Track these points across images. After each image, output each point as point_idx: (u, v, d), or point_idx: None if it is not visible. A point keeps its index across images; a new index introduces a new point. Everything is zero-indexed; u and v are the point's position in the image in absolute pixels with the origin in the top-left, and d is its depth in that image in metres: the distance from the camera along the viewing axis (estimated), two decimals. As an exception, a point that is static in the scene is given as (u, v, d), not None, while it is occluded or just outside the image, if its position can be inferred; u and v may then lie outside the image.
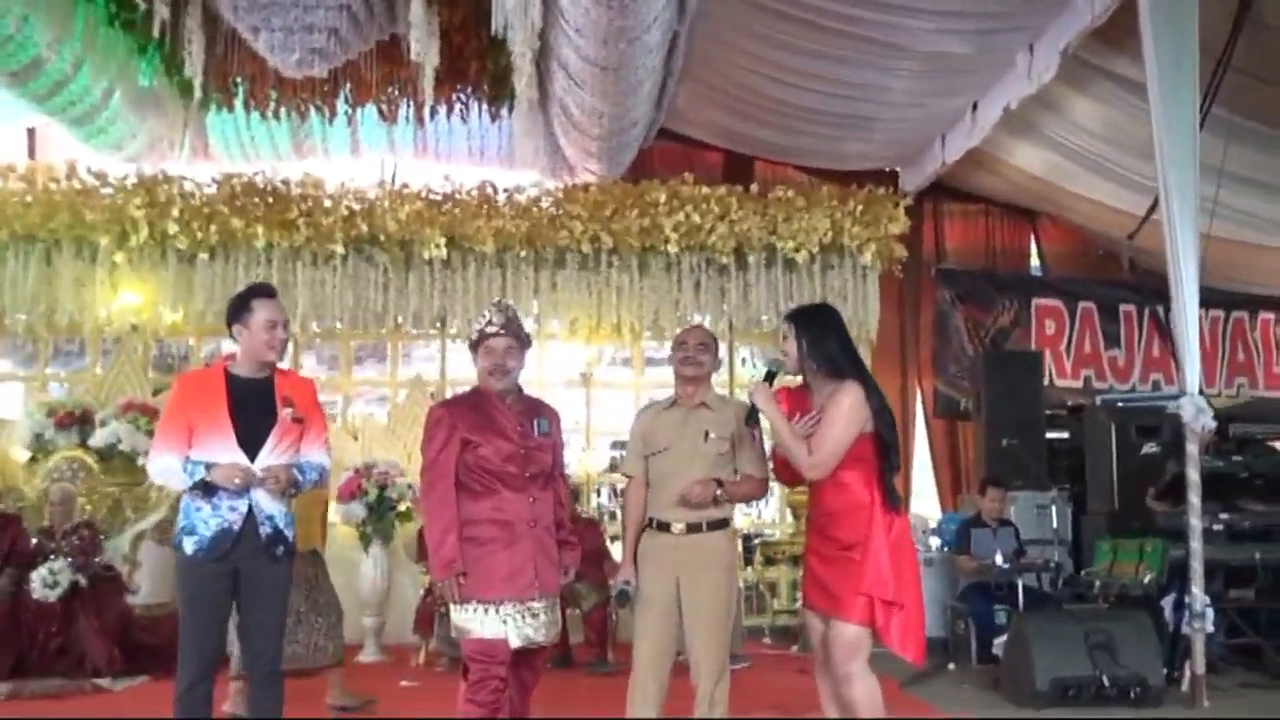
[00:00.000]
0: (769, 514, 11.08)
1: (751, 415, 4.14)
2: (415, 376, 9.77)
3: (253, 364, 4.15)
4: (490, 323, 4.12)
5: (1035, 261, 11.33)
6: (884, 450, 3.95)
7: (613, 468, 9.98)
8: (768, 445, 4.41)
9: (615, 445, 10.34)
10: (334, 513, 8.22)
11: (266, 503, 4.04)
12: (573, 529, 4.35)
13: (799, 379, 4.13)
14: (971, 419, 10.07)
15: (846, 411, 3.88)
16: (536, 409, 4.25)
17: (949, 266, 10.92)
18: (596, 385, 10.05)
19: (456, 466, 3.99)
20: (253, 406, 4.10)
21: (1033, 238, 11.28)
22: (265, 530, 4.03)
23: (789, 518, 9.91)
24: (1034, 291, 10.91)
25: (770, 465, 4.35)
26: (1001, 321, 10.77)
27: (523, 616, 3.95)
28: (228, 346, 9.16)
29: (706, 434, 4.33)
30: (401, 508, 8.06)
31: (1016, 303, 10.79)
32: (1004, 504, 7.96)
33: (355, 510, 7.96)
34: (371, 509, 7.97)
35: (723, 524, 4.37)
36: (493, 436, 4.02)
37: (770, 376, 4.12)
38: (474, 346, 4.16)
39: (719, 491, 4.25)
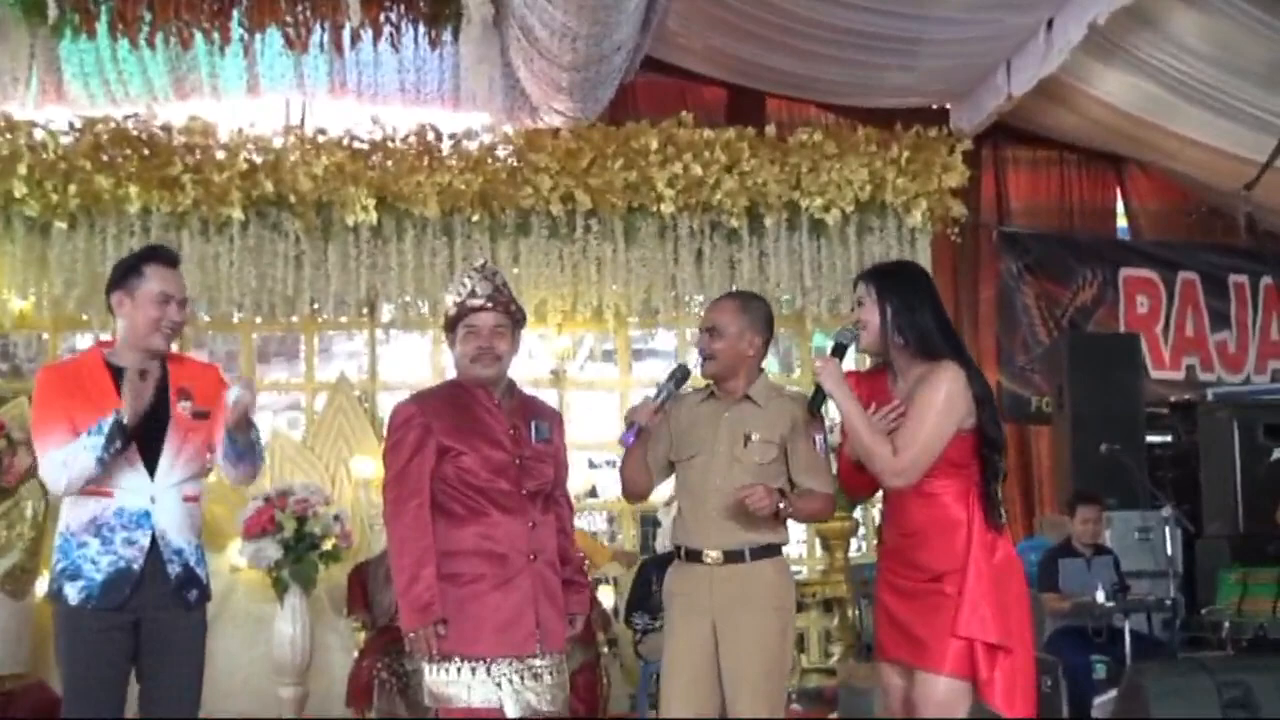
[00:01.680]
0: (791, 546, 10.98)
1: (816, 400, 4.01)
2: (338, 377, 9.63)
3: (135, 351, 4.06)
4: (473, 293, 4.05)
5: (1122, 223, 11.33)
6: (987, 452, 3.86)
7: (593, 492, 9.85)
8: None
9: (596, 465, 10.23)
10: (238, 553, 8.11)
11: (175, 533, 3.96)
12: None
13: (857, 360, 4.04)
14: (1050, 421, 10.04)
15: (943, 401, 3.78)
16: (532, 408, 4.21)
17: (1015, 229, 10.91)
18: (571, 386, 9.97)
19: (431, 481, 3.91)
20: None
21: (1119, 192, 11.28)
22: (174, 569, 3.95)
23: (818, 549, 9.82)
24: (1122, 260, 10.92)
25: (833, 470, 4.25)
26: (1082, 298, 10.80)
27: (522, 678, 3.88)
28: (86, 344, 9.00)
29: (748, 437, 4.24)
30: (327, 545, 7.93)
31: (1100, 274, 10.81)
32: (1100, 526, 7.98)
33: (267, 550, 7.83)
34: (288, 548, 7.84)
35: (772, 550, 4.28)
36: (479, 442, 3.96)
37: (840, 350, 4.01)
38: (451, 325, 4.10)
39: (782, 504, 4.10)
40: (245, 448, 4.09)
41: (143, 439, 3.96)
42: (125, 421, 3.83)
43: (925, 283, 4.03)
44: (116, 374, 3.99)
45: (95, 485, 3.89)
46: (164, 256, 4.17)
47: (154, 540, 3.92)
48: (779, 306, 9.90)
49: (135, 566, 3.89)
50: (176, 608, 3.96)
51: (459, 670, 3.84)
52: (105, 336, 4.27)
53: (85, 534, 3.89)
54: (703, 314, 4.43)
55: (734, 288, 9.46)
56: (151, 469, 3.94)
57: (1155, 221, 11.27)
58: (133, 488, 3.95)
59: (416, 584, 3.81)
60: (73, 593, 3.88)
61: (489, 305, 4.04)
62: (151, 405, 3.98)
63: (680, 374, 4.29)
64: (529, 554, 3.94)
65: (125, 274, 4.08)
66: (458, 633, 3.82)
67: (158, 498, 3.96)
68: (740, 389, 4.32)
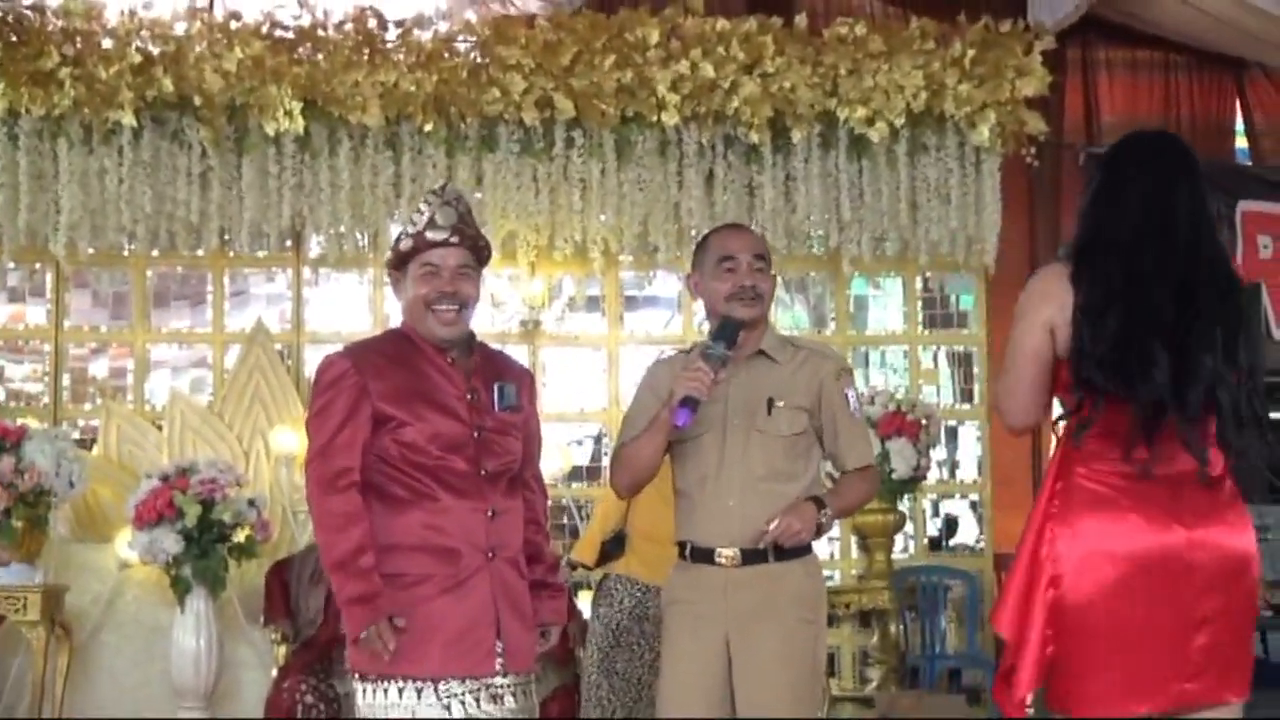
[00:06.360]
0: (819, 545, 11.03)
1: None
2: (254, 327, 9.68)
3: None
4: (433, 223, 4.07)
5: (1242, 144, 11.35)
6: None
7: (576, 474, 9.87)
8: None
9: (582, 441, 10.23)
10: (128, 546, 8.16)
11: None
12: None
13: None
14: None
15: None
16: (496, 367, 4.24)
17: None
18: (547, 341, 10.01)
19: (367, 458, 3.95)
20: None
21: (1238, 104, 11.28)
22: None
23: (853, 549, 9.87)
24: (1240, 190, 10.89)
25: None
26: (1190, 238, 10.76)
27: (478, 700, 3.91)
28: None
29: (771, 403, 4.31)
30: (238, 537, 7.98)
31: (1214, 208, 10.72)
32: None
33: (163, 542, 7.85)
34: (190, 539, 7.87)
35: (800, 549, 4.36)
36: (427, 410, 4.00)
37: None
38: (400, 262, 4.12)
39: (824, 515, 4.20)
40: None
41: None
42: None
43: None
44: None
45: None
46: None
47: None
48: (809, 244, 9.92)
49: None
50: None
51: (400, 692, 3.87)
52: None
53: None
54: (736, 251, 4.40)
55: (754, 219, 9.51)
56: None
57: (1284, 141, 11.29)
58: None
59: (356, 572, 3.83)
60: None
61: (453, 240, 4.07)
62: None
63: (733, 327, 4.26)
64: (487, 550, 3.96)
65: None
66: (398, 647, 3.84)
67: None
68: (752, 343, 4.37)
